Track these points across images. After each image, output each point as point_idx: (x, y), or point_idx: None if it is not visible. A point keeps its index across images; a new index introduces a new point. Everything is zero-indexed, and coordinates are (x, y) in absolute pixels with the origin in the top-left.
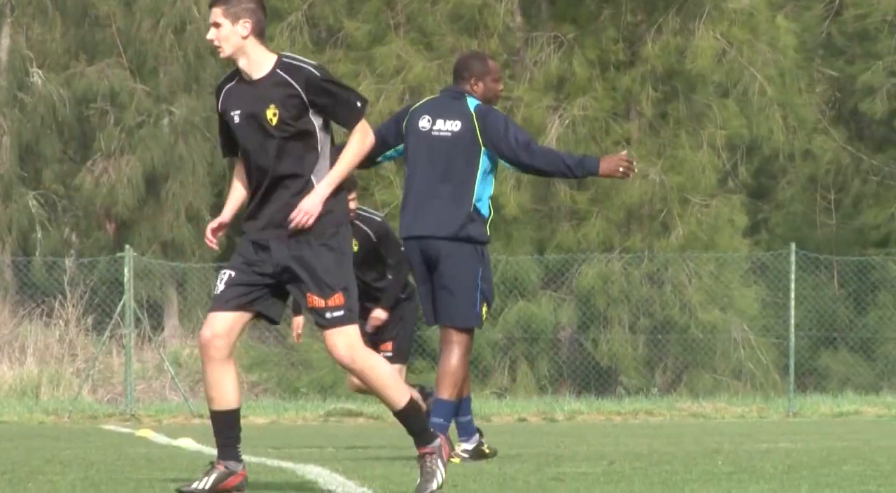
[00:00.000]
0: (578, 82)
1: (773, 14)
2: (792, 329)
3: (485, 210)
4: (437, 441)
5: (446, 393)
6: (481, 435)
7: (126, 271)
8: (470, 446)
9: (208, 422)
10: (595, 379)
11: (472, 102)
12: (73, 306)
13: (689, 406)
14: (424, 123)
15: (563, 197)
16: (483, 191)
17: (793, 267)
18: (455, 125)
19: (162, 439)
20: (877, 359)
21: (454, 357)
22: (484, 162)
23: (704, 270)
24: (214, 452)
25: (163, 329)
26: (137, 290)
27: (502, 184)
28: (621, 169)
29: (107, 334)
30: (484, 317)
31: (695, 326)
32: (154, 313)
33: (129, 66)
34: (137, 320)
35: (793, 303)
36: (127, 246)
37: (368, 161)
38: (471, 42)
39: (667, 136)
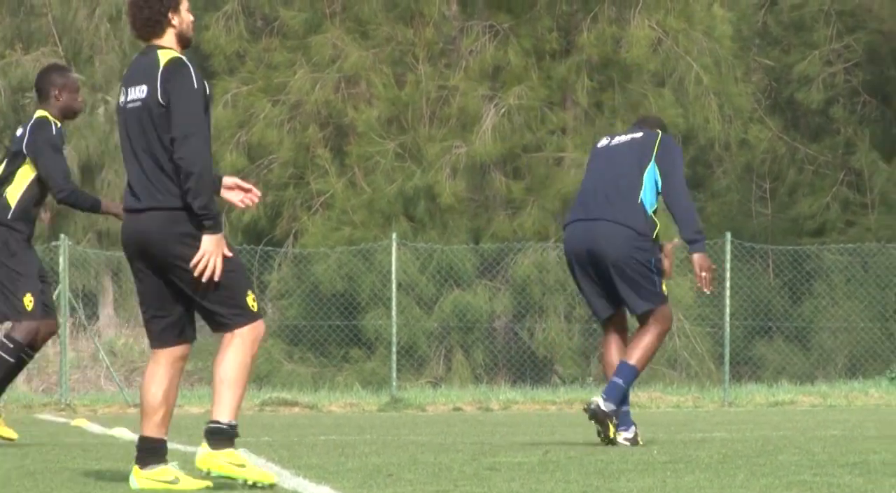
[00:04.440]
0: (514, 71)
1: (709, 3)
2: (727, 319)
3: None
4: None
5: (634, 360)
6: (636, 427)
7: (61, 260)
8: (630, 434)
9: None
10: (530, 368)
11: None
12: None
13: None
14: (604, 141)
15: (498, 186)
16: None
17: (728, 256)
18: (634, 136)
19: (97, 428)
20: (812, 349)
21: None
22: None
23: None
24: None
25: (98, 319)
26: (72, 279)
27: (437, 173)
28: (704, 275)
29: None
30: None
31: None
32: (89, 302)
33: (64, 55)
34: (72, 309)
35: (728, 292)
36: (62, 235)
37: None
38: (406, 31)
39: (602, 125)
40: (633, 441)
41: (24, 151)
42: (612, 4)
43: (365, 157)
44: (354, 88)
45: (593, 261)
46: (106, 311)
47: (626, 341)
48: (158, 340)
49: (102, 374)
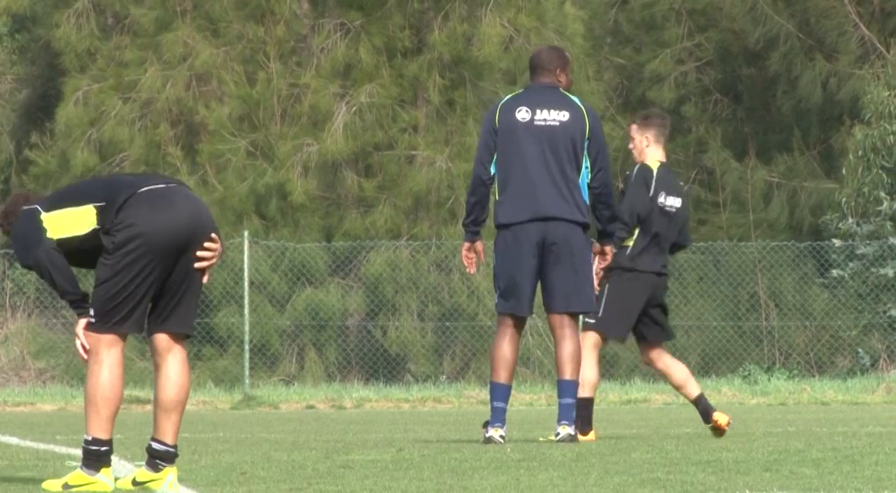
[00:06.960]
0: (365, 69)
1: (560, 1)
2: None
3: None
4: None
5: (572, 374)
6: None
7: None
8: (503, 432)
9: None
10: (384, 366)
11: (572, 96)
12: None
13: (478, 394)
14: (523, 114)
15: (350, 184)
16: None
17: None
18: (563, 115)
19: None
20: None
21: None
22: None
23: (492, 257)
24: None
25: None
26: None
27: (289, 171)
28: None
29: None
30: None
31: (483, 313)
32: None
33: None
34: None
35: None
36: None
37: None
38: (257, 29)
39: (454, 123)
40: (488, 441)
41: None
42: (463, 2)
43: (216, 155)
44: (205, 85)
45: (550, 259)
46: None
47: (520, 338)
48: None
49: None
